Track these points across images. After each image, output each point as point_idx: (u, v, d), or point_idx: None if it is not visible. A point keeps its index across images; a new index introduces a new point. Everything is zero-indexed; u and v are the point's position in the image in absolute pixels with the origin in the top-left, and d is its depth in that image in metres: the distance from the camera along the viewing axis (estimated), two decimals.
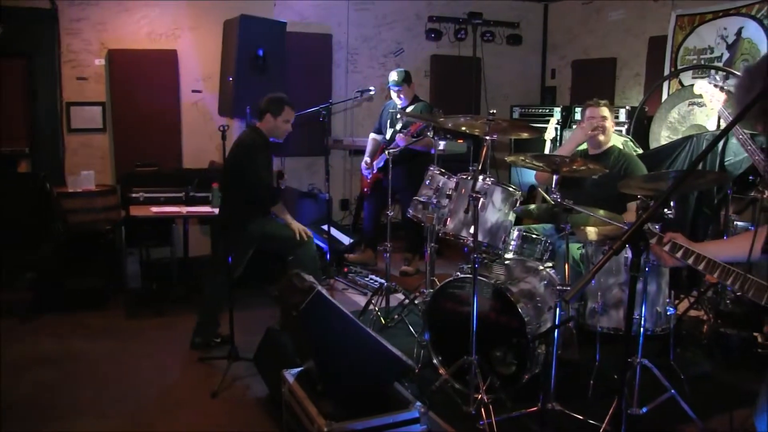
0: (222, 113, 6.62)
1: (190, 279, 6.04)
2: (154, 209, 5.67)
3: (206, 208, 5.69)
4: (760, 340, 4.60)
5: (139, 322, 5.35)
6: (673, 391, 3.63)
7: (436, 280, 4.62)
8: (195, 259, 6.38)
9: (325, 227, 6.11)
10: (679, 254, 2.43)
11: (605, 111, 4.75)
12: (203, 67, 7.19)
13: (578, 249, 4.26)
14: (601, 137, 4.73)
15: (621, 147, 5.37)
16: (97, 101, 6.87)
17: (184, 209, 5.72)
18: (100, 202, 6.09)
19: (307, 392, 3.30)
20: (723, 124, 4.88)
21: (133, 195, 5.91)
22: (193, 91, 7.25)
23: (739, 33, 6.74)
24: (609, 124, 4.76)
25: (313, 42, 7.97)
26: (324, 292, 3.38)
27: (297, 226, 4.82)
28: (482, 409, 3.54)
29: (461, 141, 6.95)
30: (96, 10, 6.74)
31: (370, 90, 6.33)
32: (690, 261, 2.40)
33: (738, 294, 4.84)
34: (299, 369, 3.58)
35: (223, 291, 4.51)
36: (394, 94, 6.48)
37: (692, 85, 6.68)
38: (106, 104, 6.90)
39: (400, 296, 5.33)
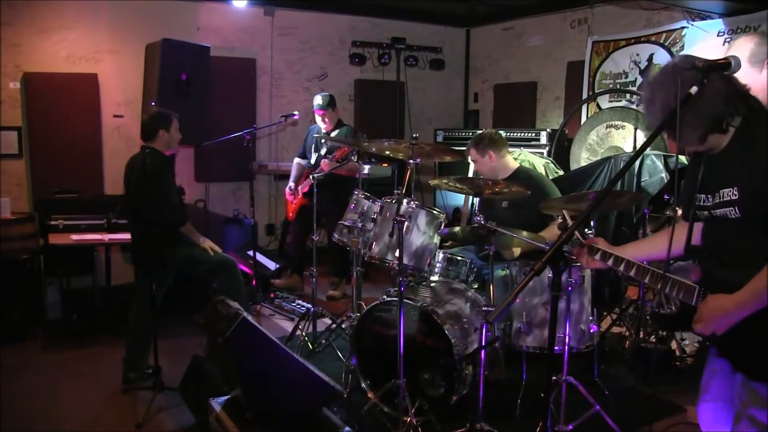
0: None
1: (114, 308, 5.83)
2: (75, 237, 5.50)
3: (129, 235, 5.51)
4: (677, 353, 4.77)
5: (59, 355, 5.13)
6: (597, 406, 3.70)
7: (363, 304, 4.60)
8: (118, 288, 6.19)
9: (251, 253, 6.03)
10: (597, 256, 2.54)
11: (472, 154, 4.76)
12: (125, 91, 7.06)
13: (502, 271, 4.32)
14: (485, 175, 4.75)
15: (538, 168, 5.51)
16: (12, 126, 6.63)
17: (107, 236, 5.56)
18: (16, 231, 5.85)
19: (235, 420, 3.23)
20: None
21: (52, 222, 5.74)
22: (115, 116, 7.10)
23: (650, 59, 7.03)
24: (481, 163, 4.74)
25: (237, 66, 7.91)
26: (249, 318, 3.33)
27: (208, 243, 4.77)
28: None
29: (386, 165, 6.99)
30: (10, 32, 6.53)
31: (295, 114, 6.31)
32: (609, 263, 2.51)
33: (657, 309, 5.00)
34: (226, 397, 3.50)
35: (148, 320, 4.39)
36: (318, 119, 6.49)
37: (610, 108, 6.95)
38: (22, 129, 6.66)
39: (327, 321, 5.29)
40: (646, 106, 2.31)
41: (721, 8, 6.10)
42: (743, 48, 3.02)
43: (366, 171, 5.15)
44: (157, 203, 4.47)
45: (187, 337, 5.26)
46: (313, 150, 6.58)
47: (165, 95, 5.85)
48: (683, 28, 6.67)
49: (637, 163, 5.31)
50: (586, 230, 3.71)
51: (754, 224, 2.20)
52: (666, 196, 5.14)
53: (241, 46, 7.96)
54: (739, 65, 2.20)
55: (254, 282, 6.06)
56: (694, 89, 2.11)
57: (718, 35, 6.25)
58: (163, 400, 4.15)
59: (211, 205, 7.68)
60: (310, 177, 5.30)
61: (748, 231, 2.22)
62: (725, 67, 2.17)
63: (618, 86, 7.34)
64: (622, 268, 2.49)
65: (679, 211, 2.67)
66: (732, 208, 2.23)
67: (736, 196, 2.21)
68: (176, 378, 4.16)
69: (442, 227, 4.11)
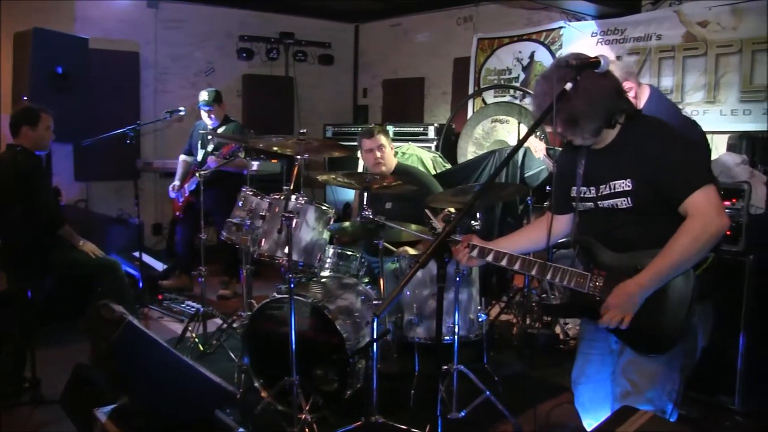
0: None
1: None
2: None
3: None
4: (561, 337, 4.99)
5: None
6: (488, 392, 3.80)
7: (254, 302, 4.53)
8: None
9: (137, 254, 5.85)
10: (474, 253, 2.60)
11: (381, 138, 4.69)
12: None
13: (392, 264, 4.36)
14: (383, 168, 4.71)
15: (426, 161, 5.59)
16: None
17: None
18: None
19: (123, 430, 3.12)
20: (550, 167, 5.20)
21: None
22: None
23: (532, 56, 7.29)
24: (387, 149, 4.72)
25: (119, 60, 7.61)
26: (135, 321, 3.23)
27: (89, 246, 4.58)
28: (306, 429, 3.53)
29: (275, 161, 6.92)
30: None
31: (180, 110, 6.12)
32: (489, 259, 2.57)
33: (542, 296, 5.19)
34: (112, 406, 3.38)
35: (24, 329, 4.16)
36: (204, 115, 6.34)
37: (494, 103, 7.16)
38: None
39: (218, 321, 5.18)
40: (540, 99, 2.40)
41: (593, 11, 6.47)
42: (617, 64, 3.21)
43: (254, 167, 5.08)
44: (31, 205, 4.25)
45: (68, 346, 4.97)
46: (199, 146, 6.42)
47: (39, 89, 5.56)
48: (561, 27, 6.95)
49: (521, 155, 5.50)
50: (473, 222, 3.81)
51: (644, 212, 2.35)
52: (548, 187, 5.33)
53: (123, 39, 7.67)
54: (607, 63, 2.32)
55: (141, 284, 5.87)
56: (569, 86, 2.22)
57: (591, 35, 6.58)
58: (43, 415, 3.93)
59: (93, 205, 7.38)
60: (197, 174, 5.17)
61: (637, 219, 2.36)
62: (595, 65, 2.28)
63: (502, 82, 7.55)
64: (504, 263, 2.55)
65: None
66: (624, 198, 2.36)
67: (629, 187, 2.34)
68: (57, 390, 3.94)
69: (332, 222, 4.12)
